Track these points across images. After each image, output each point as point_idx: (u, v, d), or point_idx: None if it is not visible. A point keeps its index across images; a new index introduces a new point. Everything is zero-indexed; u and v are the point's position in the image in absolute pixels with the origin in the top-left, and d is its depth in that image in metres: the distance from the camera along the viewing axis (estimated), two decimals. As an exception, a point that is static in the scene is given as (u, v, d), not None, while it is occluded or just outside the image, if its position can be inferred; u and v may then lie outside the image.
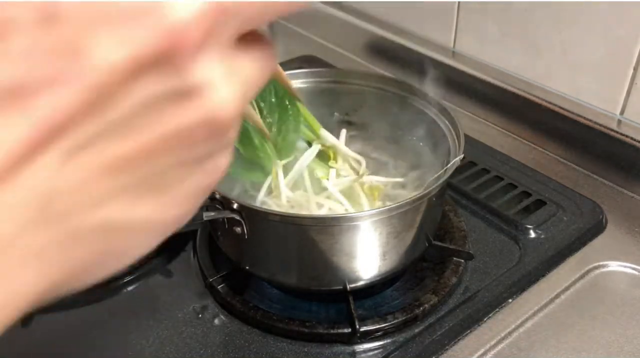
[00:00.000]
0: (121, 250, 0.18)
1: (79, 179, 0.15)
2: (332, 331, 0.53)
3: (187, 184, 0.18)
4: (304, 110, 0.58)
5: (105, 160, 0.16)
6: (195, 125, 0.16)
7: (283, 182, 0.56)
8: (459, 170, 0.70)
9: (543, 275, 0.59)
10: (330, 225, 0.49)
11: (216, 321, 0.56)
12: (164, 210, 0.18)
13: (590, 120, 0.73)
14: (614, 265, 0.61)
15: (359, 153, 0.64)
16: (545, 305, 0.56)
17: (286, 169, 0.58)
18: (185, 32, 0.15)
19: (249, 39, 0.18)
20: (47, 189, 0.15)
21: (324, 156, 0.60)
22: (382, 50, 0.99)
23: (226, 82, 0.17)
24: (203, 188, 0.19)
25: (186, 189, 0.18)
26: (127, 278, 0.61)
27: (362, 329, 0.53)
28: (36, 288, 0.16)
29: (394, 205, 0.49)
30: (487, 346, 0.53)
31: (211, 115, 0.16)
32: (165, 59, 0.15)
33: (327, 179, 0.58)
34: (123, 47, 0.14)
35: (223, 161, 0.18)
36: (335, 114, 0.68)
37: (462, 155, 0.53)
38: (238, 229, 0.50)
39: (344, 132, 0.62)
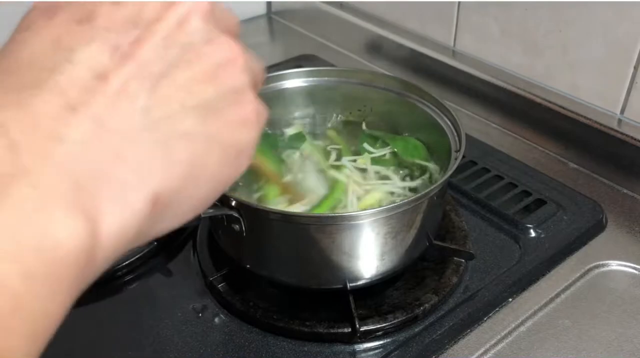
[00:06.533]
0: (204, 164, 0.25)
1: (165, 95, 0.23)
2: (332, 330, 0.53)
3: (233, 111, 0.25)
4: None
5: (179, 82, 0.23)
6: (225, 61, 0.25)
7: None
8: (459, 169, 0.70)
9: (543, 275, 0.59)
10: (329, 224, 0.49)
11: (216, 320, 0.56)
12: (224, 132, 0.25)
13: (591, 120, 0.73)
14: (614, 265, 0.61)
15: (359, 152, 0.64)
16: (546, 305, 0.56)
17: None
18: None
19: None
20: (145, 104, 0.23)
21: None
22: (382, 49, 0.99)
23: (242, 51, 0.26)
24: (244, 118, 0.26)
25: (233, 115, 0.25)
26: (127, 278, 0.60)
27: (362, 328, 0.53)
28: (163, 178, 0.23)
29: (393, 205, 0.49)
30: (487, 345, 0.53)
31: (233, 57, 0.25)
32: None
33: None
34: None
35: (252, 100, 0.26)
36: (335, 112, 0.68)
37: (462, 154, 0.53)
38: (237, 226, 0.50)
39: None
